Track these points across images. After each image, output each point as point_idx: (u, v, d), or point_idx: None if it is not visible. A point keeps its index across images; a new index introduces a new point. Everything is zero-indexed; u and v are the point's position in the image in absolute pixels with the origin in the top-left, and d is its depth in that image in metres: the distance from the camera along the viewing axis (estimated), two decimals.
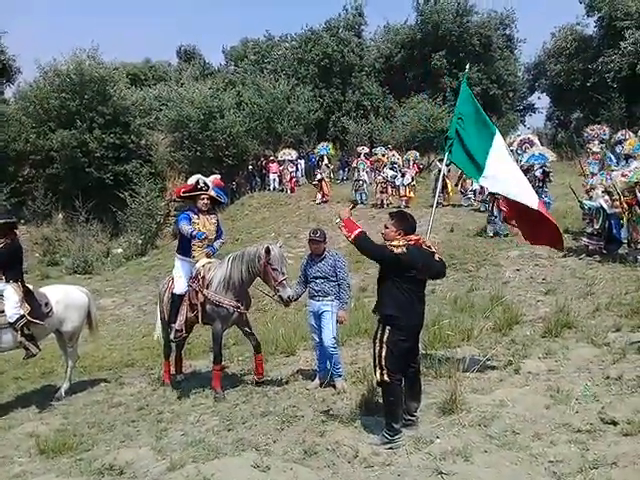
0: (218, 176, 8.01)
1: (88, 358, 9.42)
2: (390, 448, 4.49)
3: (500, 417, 4.75)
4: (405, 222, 4.96)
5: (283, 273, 6.42)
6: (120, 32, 65.40)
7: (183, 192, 7.41)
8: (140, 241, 22.56)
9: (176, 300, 7.12)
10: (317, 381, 6.54)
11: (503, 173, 6.09)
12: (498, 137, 6.23)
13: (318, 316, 6.38)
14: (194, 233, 6.92)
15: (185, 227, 6.98)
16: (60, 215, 24.12)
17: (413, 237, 4.89)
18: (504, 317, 7.78)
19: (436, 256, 5.01)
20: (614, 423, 4.35)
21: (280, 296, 6.46)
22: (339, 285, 6.30)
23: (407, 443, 4.49)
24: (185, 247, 7.25)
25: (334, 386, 6.31)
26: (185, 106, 25.38)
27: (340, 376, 6.40)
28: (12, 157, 25.22)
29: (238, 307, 6.73)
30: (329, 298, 6.29)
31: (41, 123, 25.37)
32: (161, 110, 27.14)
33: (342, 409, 5.57)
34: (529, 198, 6.07)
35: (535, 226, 6.29)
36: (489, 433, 4.49)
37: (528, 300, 9.09)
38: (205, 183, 7.26)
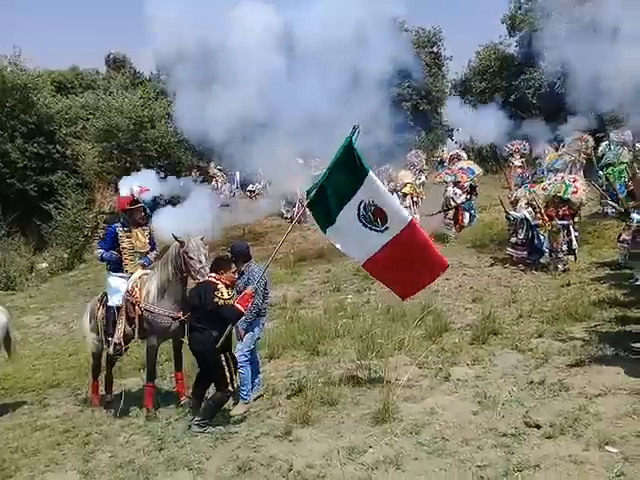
0: (138, 185, 7.52)
1: (10, 379, 8.93)
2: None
3: (430, 424, 4.90)
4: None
5: (201, 261, 6.28)
6: (44, 39, 62.74)
7: (128, 205, 7.15)
8: (66, 255, 21.59)
9: (113, 313, 6.91)
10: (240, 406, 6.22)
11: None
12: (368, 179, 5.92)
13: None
14: (105, 256, 7.05)
15: (104, 255, 7.08)
16: None
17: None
18: (434, 325, 8.02)
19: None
20: (537, 426, 4.57)
21: None
22: None
23: (341, 453, 4.53)
24: (115, 263, 7.08)
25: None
26: (114, 115, 24.67)
27: (244, 399, 6.15)
28: None
29: (177, 317, 6.52)
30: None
31: None
32: (88, 119, 26.24)
33: (277, 423, 5.56)
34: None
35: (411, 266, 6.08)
36: (420, 440, 4.62)
37: (457, 308, 9.40)
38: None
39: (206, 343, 5.67)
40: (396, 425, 4.93)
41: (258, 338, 6.53)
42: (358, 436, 4.89)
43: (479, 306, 9.10)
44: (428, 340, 7.67)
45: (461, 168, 16.06)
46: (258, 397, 6.36)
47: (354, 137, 5.76)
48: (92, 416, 6.89)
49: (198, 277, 6.28)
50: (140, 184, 7.44)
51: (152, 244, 7.27)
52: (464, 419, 4.91)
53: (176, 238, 6.39)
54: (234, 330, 6.15)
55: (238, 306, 5.62)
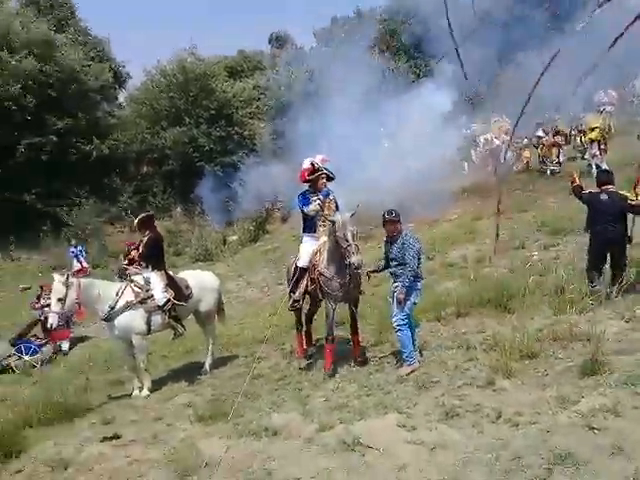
0: (322, 155, 8.02)
1: (223, 337, 10.11)
2: None
3: None
4: None
5: (347, 240, 6.41)
6: (212, 27, 67.39)
7: (308, 176, 7.69)
8: (252, 227, 23.58)
9: (299, 272, 7.54)
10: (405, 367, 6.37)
11: None
12: None
13: (393, 297, 6.47)
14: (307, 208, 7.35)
15: (309, 208, 7.40)
16: (178, 209, 25.80)
17: None
18: (638, 279, 7.41)
19: None
20: None
21: (349, 263, 6.50)
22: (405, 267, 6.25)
23: (551, 403, 4.53)
24: (309, 226, 7.63)
25: None
26: (283, 92, 25.98)
27: (406, 361, 6.30)
28: (131, 158, 27.32)
29: (342, 284, 6.85)
30: (400, 280, 6.30)
31: (153, 123, 27.12)
32: (259, 99, 27.98)
33: (477, 374, 5.67)
34: None
35: None
36: (637, 391, 4.41)
37: None
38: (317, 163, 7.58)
39: None
40: (608, 377, 4.76)
41: (415, 303, 6.55)
42: (566, 387, 4.82)
43: None
44: (633, 294, 7.15)
45: None
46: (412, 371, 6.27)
47: None
48: (300, 366, 7.60)
49: (345, 255, 6.45)
50: (324, 155, 7.90)
51: (338, 209, 7.69)
52: None
53: (326, 218, 6.65)
54: (395, 295, 6.31)
55: None
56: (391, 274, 6.55)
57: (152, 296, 7.64)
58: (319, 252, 7.27)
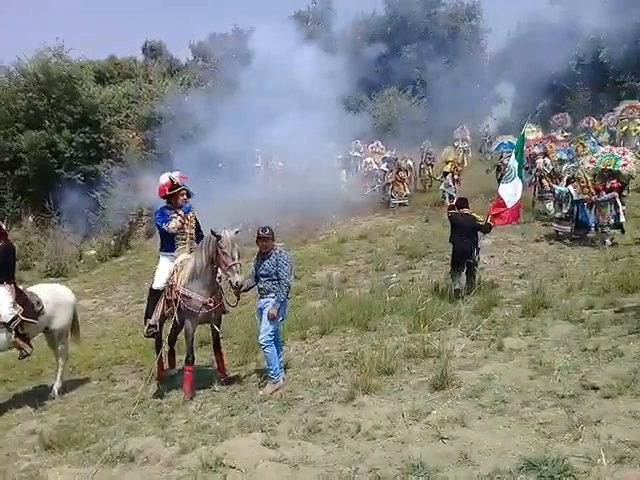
0: (178, 172, 7.84)
1: (76, 358, 9.42)
2: None
3: (489, 389, 5.09)
4: None
5: (233, 258, 6.40)
6: (82, 28, 63.68)
7: (169, 191, 7.47)
8: (113, 242, 22.37)
9: (153, 295, 7.25)
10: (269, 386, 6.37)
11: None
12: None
13: (261, 313, 6.52)
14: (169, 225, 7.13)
15: (170, 226, 7.17)
16: (30, 218, 23.70)
17: None
18: (483, 300, 8.17)
19: None
20: (595, 388, 4.73)
21: (230, 282, 6.52)
22: (279, 283, 6.36)
23: (405, 415, 4.79)
24: (167, 243, 7.40)
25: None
26: (155, 103, 25.23)
27: (271, 379, 6.34)
28: None
29: (206, 303, 6.70)
30: (270, 296, 6.39)
31: (8, 124, 24.83)
32: (130, 108, 26.85)
33: (338, 390, 5.84)
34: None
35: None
36: (481, 403, 4.83)
37: (504, 284, 9.51)
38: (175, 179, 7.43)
39: None
40: (455, 390, 5.15)
41: (282, 319, 6.66)
42: (419, 401, 5.13)
43: (527, 281, 9.19)
44: (478, 314, 7.84)
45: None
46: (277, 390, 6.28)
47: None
48: (159, 389, 7.30)
49: (228, 273, 6.44)
50: (180, 172, 7.74)
51: (198, 227, 7.56)
52: (522, 384, 5.09)
53: (213, 233, 6.53)
54: (263, 311, 6.36)
55: None
56: (259, 290, 6.55)
57: None
58: (176, 271, 7.02)
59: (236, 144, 21.26)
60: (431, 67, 31.06)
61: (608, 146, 13.03)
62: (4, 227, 7.68)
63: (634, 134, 18.08)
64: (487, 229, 9.21)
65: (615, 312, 6.96)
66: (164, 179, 7.46)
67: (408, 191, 18.90)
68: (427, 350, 6.51)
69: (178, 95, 25.22)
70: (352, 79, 23.70)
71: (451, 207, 10.00)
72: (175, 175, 7.51)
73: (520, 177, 9.50)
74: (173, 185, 7.34)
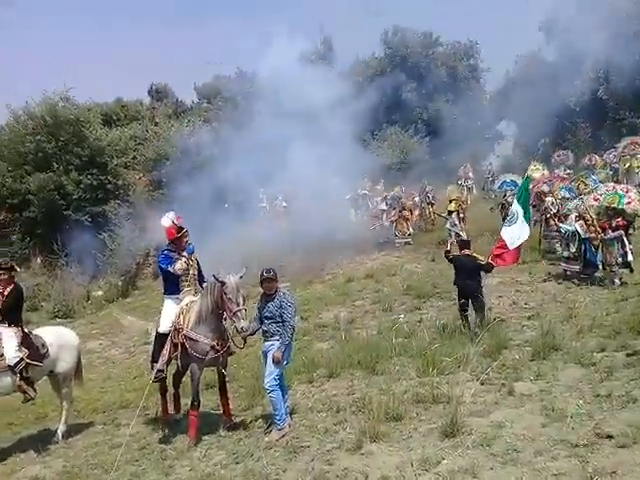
0: (173, 212, 7.88)
1: (81, 401, 9.32)
2: None
3: (501, 437, 4.98)
4: None
5: (238, 304, 6.38)
6: (88, 72, 65.14)
7: (177, 233, 7.50)
8: (120, 282, 22.39)
9: (160, 339, 7.21)
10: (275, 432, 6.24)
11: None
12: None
13: (265, 357, 6.44)
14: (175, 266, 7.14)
15: (176, 267, 7.18)
16: (38, 259, 23.83)
17: None
18: (493, 342, 8.04)
19: None
20: (609, 437, 4.61)
21: (235, 327, 6.48)
22: (283, 326, 6.30)
23: (414, 465, 4.67)
24: (171, 285, 7.40)
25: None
26: (162, 144, 25.62)
27: (277, 425, 6.23)
28: None
29: (213, 347, 6.68)
30: (275, 338, 6.32)
31: (16, 167, 25.22)
32: (137, 149, 27.27)
33: (346, 437, 5.72)
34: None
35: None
36: (492, 452, 4.71)
37: (513, 325, 9.39)
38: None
39: None
40: (466, 438, 5.03)
41: (287, 362, 6.58)
42: (429, 449, 5.01)
43: (536, 322, 9.07)
44: (488, 357, 7.71)
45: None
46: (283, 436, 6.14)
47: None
48: (164, 434, 7.18)
49: (234, 319, 6.42)
50: (175, 213, 7.77)
51: (199, 269, 7.57)
52: (534, 432, 4.98)
53: (216, 279, 6.51)
54: (268, 354, 6.29)
55: None
56: (264, 332, 6.48)
57: (1, 355, 6.92)
58: (182, 313, 7.00)
59: (241, 184, 21.55)
60: (431, 106, 31.57)
61: (611, 183, 13.00)
62: (17, 269, 7.71)
63: (637, 171, 18.09)
64: (488, 268, 9.33)
65: (627, 355, 6.83)
66: (166, 222, 7.52)
67: (412, 230, 18.92)
68: (436, 395, 6.38)
69: (184, 137, 25.61)
70: (356, 117, 24.19)
71: (447, 252, 10.42)
72: (171, 216, 7.57)
73: (526, 221, 9.59)
74: (177, 227, 7.39)
